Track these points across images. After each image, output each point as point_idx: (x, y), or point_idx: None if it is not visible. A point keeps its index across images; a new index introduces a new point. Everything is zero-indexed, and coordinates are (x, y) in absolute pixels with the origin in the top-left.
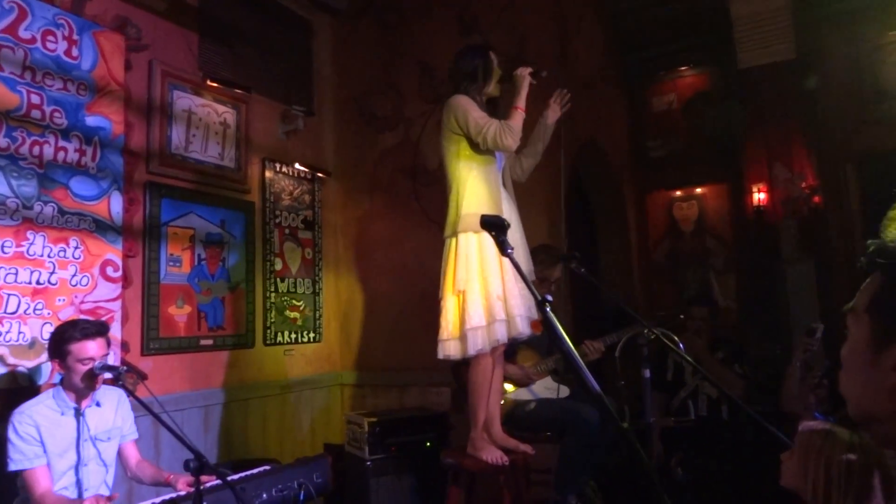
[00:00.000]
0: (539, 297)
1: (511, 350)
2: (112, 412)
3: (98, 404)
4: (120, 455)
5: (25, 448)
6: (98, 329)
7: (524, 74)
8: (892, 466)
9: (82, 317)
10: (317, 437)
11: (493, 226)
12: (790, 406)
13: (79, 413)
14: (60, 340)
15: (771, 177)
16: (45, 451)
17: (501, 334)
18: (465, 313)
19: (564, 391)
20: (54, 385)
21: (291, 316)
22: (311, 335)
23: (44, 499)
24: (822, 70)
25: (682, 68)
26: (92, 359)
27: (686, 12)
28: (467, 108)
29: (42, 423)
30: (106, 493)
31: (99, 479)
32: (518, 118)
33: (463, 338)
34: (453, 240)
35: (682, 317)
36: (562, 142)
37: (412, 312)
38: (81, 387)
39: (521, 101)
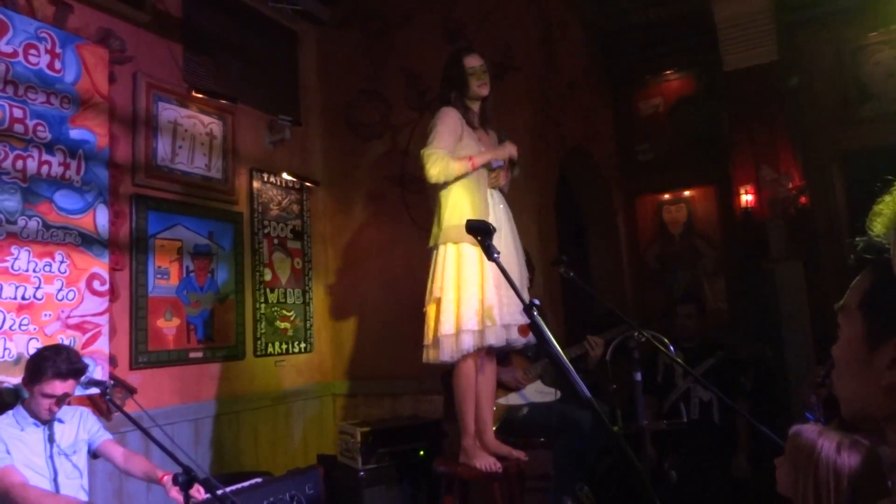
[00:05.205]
0: (527, 302)
1: (503, 354)
2: (74, 428)
3: (61, 421)
4: (103, 455)
5: None
6: (74, 372)
7: (510, 153)
8: (887, 470)
9: (67, 344)
10: (309, 448)
11: (479, 230)
12: None
13: (49, 430)
14: (36, 367)
15: (758, 178)
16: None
17: (468, 344)
18: (438, 321)
19: (556, 394)
20: None
21: (282, 326)
22: (302, 345)
23: (25, 489)
24: (805, 71)
25: (668, 72)
26: (53, 396)
27: (670, 16)
28: (436, 123)
29: (5, 438)
30: (84, 497)
31: (75, 487)
32: (463, 166)
33: (437, 344)
34: (435, 251)
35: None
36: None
37: (403, 321)
38: (39, 417)
39: (480, 159)
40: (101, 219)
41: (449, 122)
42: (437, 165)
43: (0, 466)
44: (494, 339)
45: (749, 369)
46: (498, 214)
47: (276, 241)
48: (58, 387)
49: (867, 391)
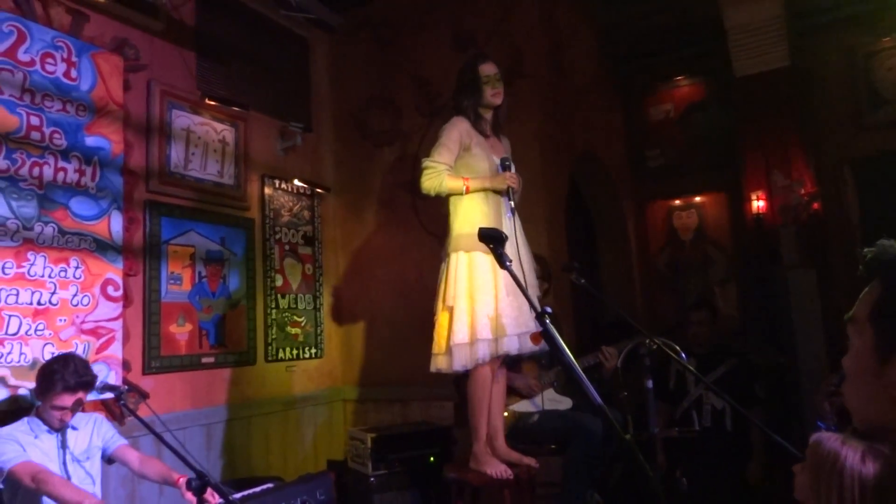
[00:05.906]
0: (539, 310)
1: (515, 361)
2: (88, 434)
3: (74, 427)
4: (119, 460)
5: (7, 449)
6: (84, 385)
7: (508, 184)
8: None
9: (78, 352)
10: (320, 453)
11: (491, 238)
12: None
13: (62, 437)
14: (46, 381)
15: (769, 184)
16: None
17: (483, 353)
18: (450, 330)
19: (567, 402)
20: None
21: (293, 332)
22: (313, 351)
23: (48, 473)
24: (817, 77)
25: (678, 78)
26: (64, 408)
27: (680, 22)
28: (441, 135)
29: (22, 441)
30: None
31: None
32: (457, 185)
33: (449, 353)
34: (446, 259)
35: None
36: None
37: (413, 326)
38: (52, 426)
39: (475, 183)
40: (115, 225)
41: (453, 135)
42: (431, 179)
43: (19, 461)
44: (509, 347)
45: (762, 377)
46: (509, 223)
47: (287, 246)
48: (67, 399)
49: (878, 402)
